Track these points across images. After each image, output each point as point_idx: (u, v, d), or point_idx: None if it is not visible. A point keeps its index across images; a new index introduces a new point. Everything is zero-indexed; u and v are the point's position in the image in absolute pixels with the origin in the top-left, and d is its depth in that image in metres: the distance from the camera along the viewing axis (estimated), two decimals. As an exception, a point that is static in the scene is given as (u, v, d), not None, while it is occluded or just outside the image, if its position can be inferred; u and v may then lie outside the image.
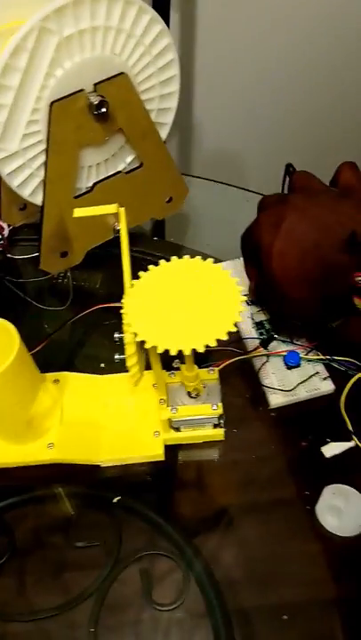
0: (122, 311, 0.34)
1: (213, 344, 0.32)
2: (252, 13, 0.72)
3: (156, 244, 0.58)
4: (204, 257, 0.36)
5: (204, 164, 0.87)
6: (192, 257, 0.36)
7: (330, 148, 0.83)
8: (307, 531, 0.38)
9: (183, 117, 0.82)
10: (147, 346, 0.32)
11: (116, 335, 0.44)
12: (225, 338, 0.32)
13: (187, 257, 0.36)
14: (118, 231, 0.52)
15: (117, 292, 0.39)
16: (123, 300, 0.35)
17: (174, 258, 0.36)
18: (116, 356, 0.45)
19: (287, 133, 0.83)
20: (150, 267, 0.36)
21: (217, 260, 0.35)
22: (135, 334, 0.33)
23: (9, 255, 0.55)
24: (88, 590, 0.36)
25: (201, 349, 0.32)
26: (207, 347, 0.32)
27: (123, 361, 0.42)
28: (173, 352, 0.32)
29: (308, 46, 0.75)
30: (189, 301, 0.34)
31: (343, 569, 0.37)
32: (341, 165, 0.40)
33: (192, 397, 0.41)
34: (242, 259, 0.50)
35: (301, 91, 0.79)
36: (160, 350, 0.32)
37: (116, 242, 0.53)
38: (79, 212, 0.39)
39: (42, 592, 0.37)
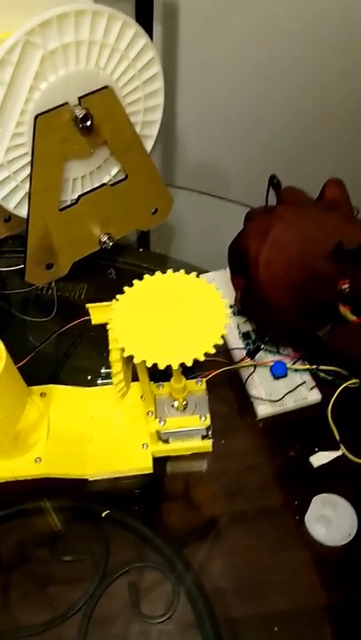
0: (108, 327, 0.34)
1: (201, 358, 0.32)
2: (234, 26, 0.73)
3: (141, 255, 0.58)
4: (190, 268, 0.36)
5: (187, 175, 0.87)
6: (177, 268, 0.36)
7: (312, 158, 0.84)
8: (296, 540, 0.39)
9: (166, 129, 0.82)
10: (135, 361, 0.32)
11: (104, 371, 0.45)
12: (212, 351, 0.32)
13: (170, 271, 0.36)
14: (104, 243, 0.52)
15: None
16: (109, 316, 0.35)
17: (158, 272, 0.36)
18: (100, 381, 0.45)
19: (271, 145, 0.84)
20: (135, 281, 0.36)
21: (202, 271, 0.35)
22: (122, 349, 0.33)
23: (-7, 267, 0.55)
24: (76, 605, 0.36)
25: (188, 364, 0.32)
26: (195, 360, 0.32)
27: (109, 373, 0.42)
28: (161, 367, 0.32)
29: (289, 57, 0.76)
30: (176, 315, 0.34)
31: (332, 577, 0.37)
32: (328, 182, 0.41)
33: (180, 409, 0.41)
34: (228, 269, 0.51)
35: (284, 102, 0.80)
36: (149, 365, 0.32)
37: (100, 253, 0.54)
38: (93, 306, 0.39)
39: (28, 608, 0.36)
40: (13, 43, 0.39)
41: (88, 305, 0.39)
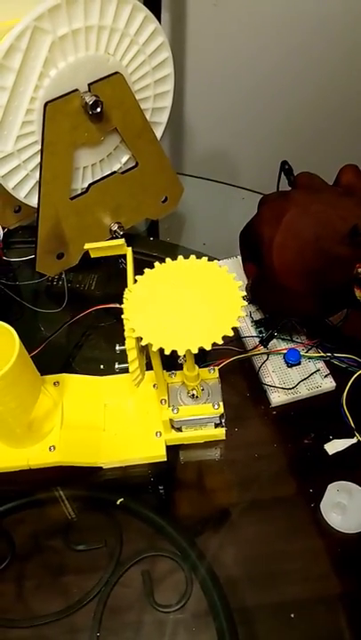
0: (123, 316, 0.34)
1: (220, 342, 0.31)
2: (241, 12, 0.72)
3: (151, 244, 0.58)
4: (201, 256, 0.36)
5: (196, 162, 0.86)
6: (188, 257, 0.36)
7: (323, 144, 0.83)
8: (310, 528, 0.38)
9: (174, 116, 0.81)
10: (153, 348, 0.32)
11: (118, 348, 0.44)
12: (230, 334, 0.32)
13: (181, 257, 0.36)
14: (114, 232, 0.52)
15: (112, 293, 0.39)
16: (123, 305, 0.34)
17: (168, 259, 0.36)
18: (117, 366, 0.44)
19: (280, 131, 0.83)
20: (146, 270, 0.35)
21: (213, 259, 0.35)
22: (140, 338, 0.33)
23: (4, 258, 0.55)
24: (90, 594, 0.36)
25: (208, 347, 0.31)
26: (214, 344, 0.31)
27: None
28: (181, 353, 0.32)
29: (297, 43, 0.75)
30: (190, 301, 0.34)
31: (347, 565, 0.37)
32: (343, 167, 0.41)
33: (193, 397, 0.41)
34: (238, 257, 0.50)
35: (294, 88, 0.79)
36: (167, 352, 0.32)
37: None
38: (90, 246, 0.38)
39: (43, 596, 0.36)
40: (22, 29, 0.39)
41: (87, 245, 0.38)
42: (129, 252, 0.37)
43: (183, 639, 0.35)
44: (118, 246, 0.38)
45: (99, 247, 0.38)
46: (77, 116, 0.44)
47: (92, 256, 0.39)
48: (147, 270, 0.35)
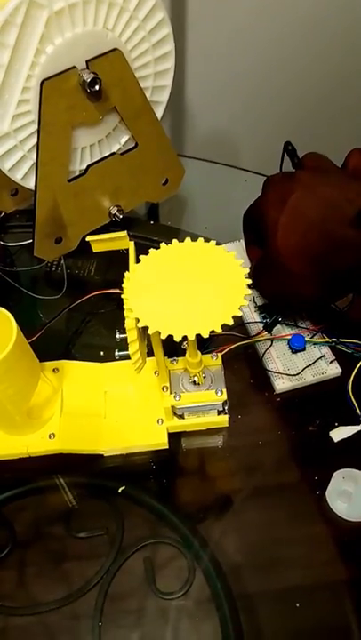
0: (123, 296, 0.33)
1: (218, 329, 0.31)
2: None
3: (152, 227, 0.57)
4: (202, 239, 0.35)
5: (197, 144, 0.85)
6: (193, 239, 0.35)
7: (326, 125, 0.82)
8: (314, 515, 0.38)
9: (175, 96, 0.80)
10: (150, 331, 0.31)
11: (119, 335, 0.44)
12: (230, 322, 0.31)
13: (188, 239, 0.35)
14: (114, 215, 0.51)
15: (112, 279, 0.38)
16: (123, 285, 0.34)
17: (175, 241, 0.35)
18: (117, 353, 0.44)
19: (284, 111, 0.82)
20: (151, 250, 0.35)
21: (216, 243, 0.34)
22: (137, 320, 0.32)
23: (2, 243, 0.54)
24: (91, 581, 0.36)
25: (205, 335, 0.31)
26: (212, 332, 0.31)
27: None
28: (177, 338, 0.31)
29: (303, 23, 0.73)
30: (192, 285, 0.33)
31: (351, 552, 0.37)
32: (352, 151, 0.40)
33: (195, 384, 0.40)
34: (241, 241, 0.49)
35: (297, 68, 0.78)
36: (163, 336, 0.31)
37: (110, 226, 0.52)
38: (91, 238, 0.38)
39: (44, 584, 0.36)
40: (17, 3, 0.38)
41: (89, 238, 0.38)
42: (131, 245, 0.36)
43: (186, 626, 0.35)
44: (120, 239, 0.37)
45: (100, 239, 0.38)
46: (75, 94, 0.42)
47: (95, 250, 0.38)
48: (152, 251, 0.35)
